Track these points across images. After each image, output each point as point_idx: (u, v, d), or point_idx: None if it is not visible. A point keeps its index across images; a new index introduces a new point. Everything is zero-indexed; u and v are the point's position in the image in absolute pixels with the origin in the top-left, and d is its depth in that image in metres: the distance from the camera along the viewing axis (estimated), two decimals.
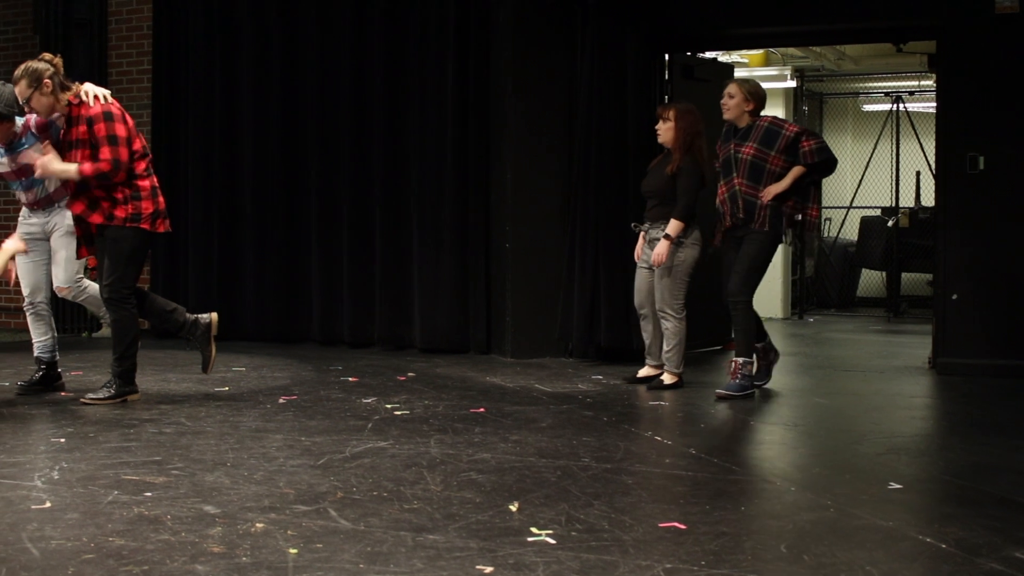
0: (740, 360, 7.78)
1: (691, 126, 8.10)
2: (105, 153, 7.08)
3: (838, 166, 8.03)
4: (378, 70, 10.54)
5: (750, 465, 5.96)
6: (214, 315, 7.62)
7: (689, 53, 10.33)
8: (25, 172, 7.54)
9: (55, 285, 7.71)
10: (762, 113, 7.95)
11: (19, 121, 7.54)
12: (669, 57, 10.03)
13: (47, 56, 7.33)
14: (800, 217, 7.92)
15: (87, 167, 7.08)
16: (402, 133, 10.45)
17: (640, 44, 9.57)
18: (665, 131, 8.16)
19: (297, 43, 10.93)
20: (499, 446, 5.98)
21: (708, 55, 10.81)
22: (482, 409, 7.17)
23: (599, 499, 4.88)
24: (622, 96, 9.53)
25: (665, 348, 8.17)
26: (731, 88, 7.94)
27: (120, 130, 7.13)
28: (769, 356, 8.22)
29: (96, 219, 7.19)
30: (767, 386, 8.13)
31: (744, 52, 13.60)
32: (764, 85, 8.37)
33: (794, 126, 7.92)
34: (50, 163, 7.15)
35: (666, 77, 10.02)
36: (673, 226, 7.99)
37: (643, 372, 8.46)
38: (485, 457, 5.71)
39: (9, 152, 7.53)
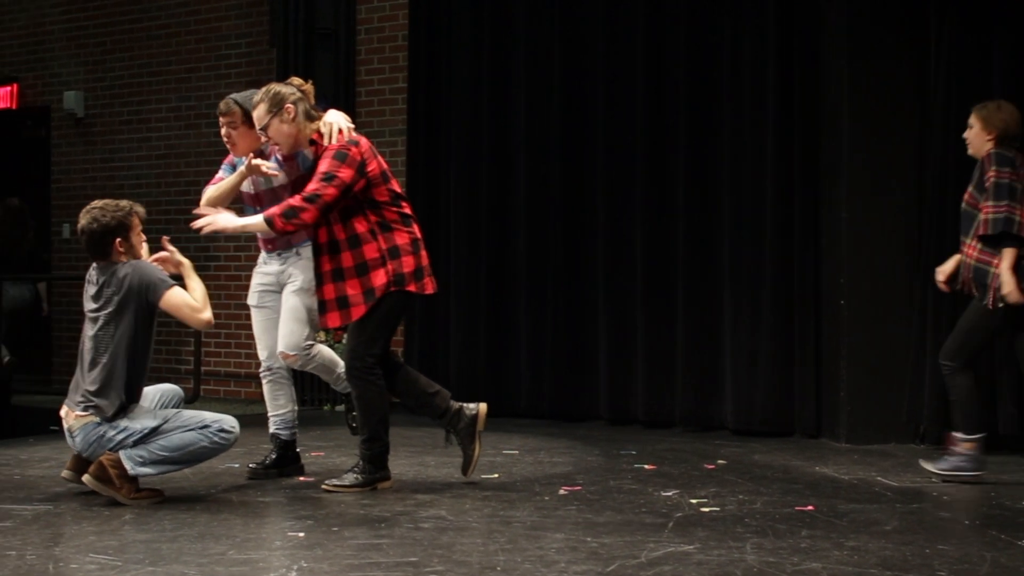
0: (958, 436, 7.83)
1: None
2: (309, 187, 7.13)
3: None
4: (680, 91, 10.60)
5: None
6: (483, 406, 7.59)
7: None
8: (262, 199, 7.68)
9: (278, 349, 7.75)
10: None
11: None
12: None
13: (296, 80, 7.51)
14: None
15: (275, 208, 7.15)
16: (709, 168, 10.48)
17: (1013, 46, 9.34)
18: None
19: (582, 60, 11.10)
20: (832, 554, 5.87)
21: None
22: (811, 507, 7.06)
23: None
24: None
25: None
26: (971, 117, 7.69)
27: (344, 173, 7.11)
28: None
29: (352, 290, 7.26)
30: None
31: None
32: None
33: (993, 172, 7.41)
34: (231, 220, 7.30)
35: None
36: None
37: None
38: (815, 567, 5.60)
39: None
